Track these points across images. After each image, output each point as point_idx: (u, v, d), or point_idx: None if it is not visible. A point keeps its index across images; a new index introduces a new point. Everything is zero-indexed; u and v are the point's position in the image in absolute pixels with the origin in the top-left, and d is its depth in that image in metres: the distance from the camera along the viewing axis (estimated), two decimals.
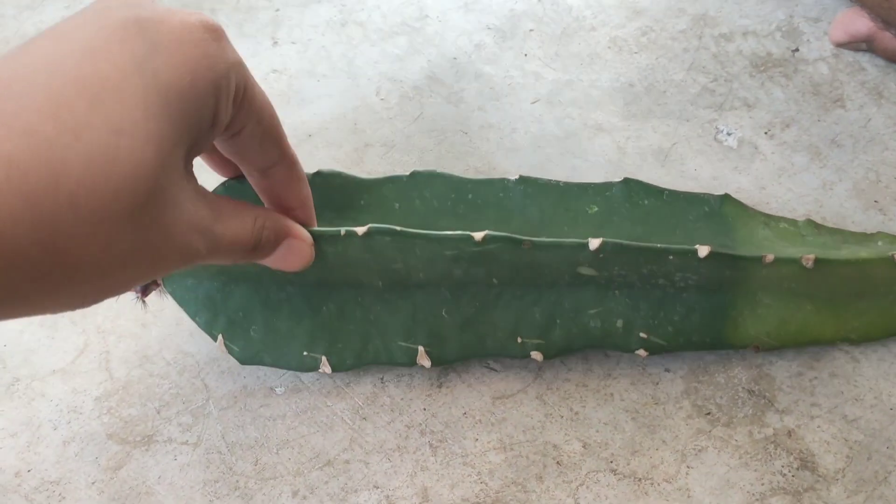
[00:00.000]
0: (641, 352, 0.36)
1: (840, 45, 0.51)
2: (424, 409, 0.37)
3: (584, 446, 0.36)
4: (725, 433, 0.36)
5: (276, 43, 0.53)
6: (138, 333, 0.40)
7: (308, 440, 0.36)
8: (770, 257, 0.35)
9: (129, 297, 0.35)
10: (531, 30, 0.53)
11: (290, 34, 0.54)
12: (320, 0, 0.56)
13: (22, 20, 0.55)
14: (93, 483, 0.35)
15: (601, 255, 0.34)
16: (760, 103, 0.49)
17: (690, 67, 0.51)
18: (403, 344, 0.36)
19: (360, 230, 0.32)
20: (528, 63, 0.51)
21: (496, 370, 0.38)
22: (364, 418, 0.37)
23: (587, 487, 0.34)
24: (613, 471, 0.35)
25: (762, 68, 0.50)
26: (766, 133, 0.47)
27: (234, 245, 0.27)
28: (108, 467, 0.35)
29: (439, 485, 0.35)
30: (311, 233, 0.32)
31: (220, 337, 0.36)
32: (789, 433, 0.36)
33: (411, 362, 0.36)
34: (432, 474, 0.35)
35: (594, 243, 0.33)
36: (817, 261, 0.35)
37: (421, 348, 0.36)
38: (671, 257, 0.34)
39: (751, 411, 0.36)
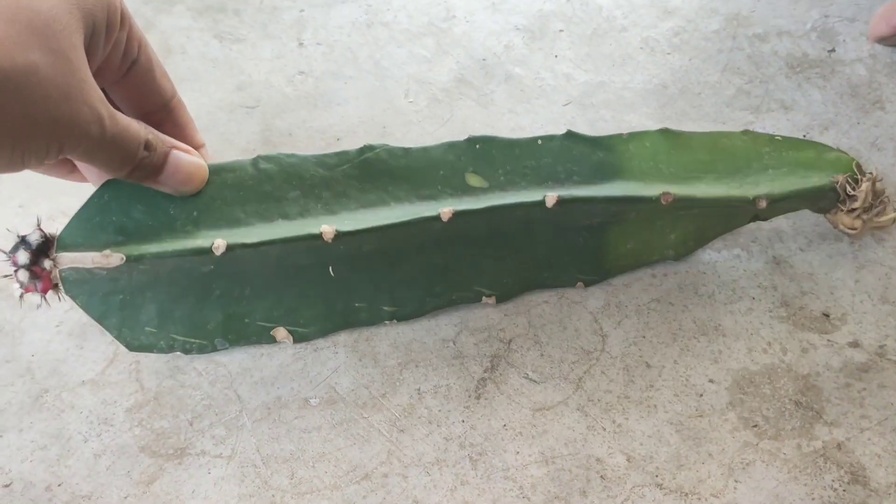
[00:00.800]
0: (550, 198, 0.35)
1: (881, 39, 0.49)
2: (463, 422, 0.36)
3: (628, 460, 0.35)
4: (773, 446, 0.35)
5: (301, 44, 0.52)
6: None
7: (345, 453, 0.35)
8: (626, 133, 0.39)
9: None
10: (561, 30, 0.52)
11: (315, 35, 0.53)
12: (345, 0, 0.55)
13: None
14: (125, 497, 0.34)
15: (478, 147, 0.37)
16: (798, 105, 0.48)
17: (725, 68, 0.50)
18: (312, 236, 0.34)
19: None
20: (559, 64, 0.50)
21: (535, 381, 0.37)
22: (401, 430, 0.36)
23: (633, 503, 0.33)
24: (659, 485, 0.34)
25: (798, 69, 0.49)
26: (804, 136, 0.46)
27: (127, 134, 0.29)
28: (140, 481, 0.35)
29: (480, 499, 0.34)
30: (209, 166, 0.35)
31: (108, 251, 0.33)
32: (839, 446, 0.35)
33: (317, 244, 0.34)
34: (473, 489, 0.34)
35: (463, 138, 0.37)
36: (670, 130, 0.39)
37: (330, 229, 0.34)
38: (539, 142, 0.38)
39: (799, 423, 0.35)
